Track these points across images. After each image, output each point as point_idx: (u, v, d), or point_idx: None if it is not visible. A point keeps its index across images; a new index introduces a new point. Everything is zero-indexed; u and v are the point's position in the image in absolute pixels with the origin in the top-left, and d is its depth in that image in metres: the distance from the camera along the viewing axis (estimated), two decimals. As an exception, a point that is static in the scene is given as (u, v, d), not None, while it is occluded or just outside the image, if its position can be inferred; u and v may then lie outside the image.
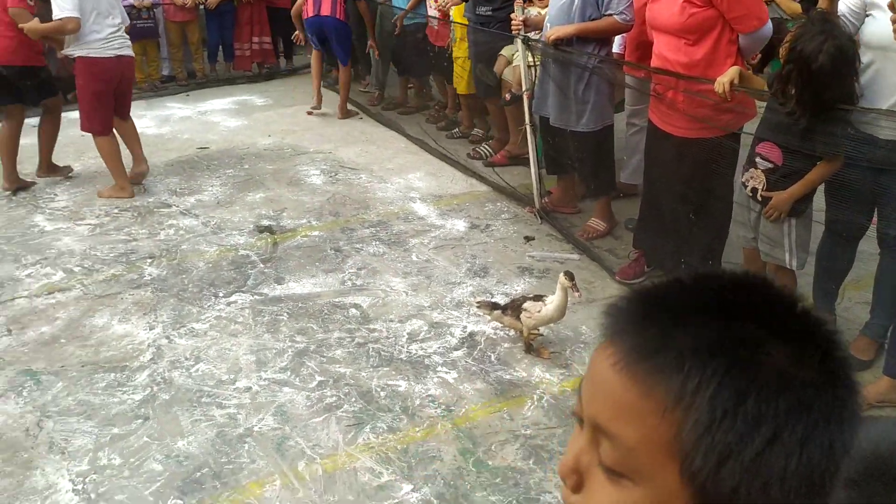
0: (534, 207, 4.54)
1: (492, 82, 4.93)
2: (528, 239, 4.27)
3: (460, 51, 5.57)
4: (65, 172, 5.37)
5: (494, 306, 3.26)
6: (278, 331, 3.42)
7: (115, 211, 4.77)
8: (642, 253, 3.81)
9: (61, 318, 3.55)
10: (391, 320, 3.48)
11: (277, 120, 6.77)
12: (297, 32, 7.61)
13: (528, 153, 4.75)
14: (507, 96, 4.79)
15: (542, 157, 4.52)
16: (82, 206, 4.84)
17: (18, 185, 5.08)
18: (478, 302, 3.40)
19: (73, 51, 4.74)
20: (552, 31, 3.94)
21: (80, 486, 2.50)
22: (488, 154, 5.48)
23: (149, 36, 7.70)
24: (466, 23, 5.36)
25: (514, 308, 3.15)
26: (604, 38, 3.95)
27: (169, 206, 4.86)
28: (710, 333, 0.57)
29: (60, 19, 4.58)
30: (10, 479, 2.54)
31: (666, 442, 0.56)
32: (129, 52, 4.99)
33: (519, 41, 4.21)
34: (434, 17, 5.92)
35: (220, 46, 8.37)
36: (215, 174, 5.41)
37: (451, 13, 5.67)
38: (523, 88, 4.34)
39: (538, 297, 3.13)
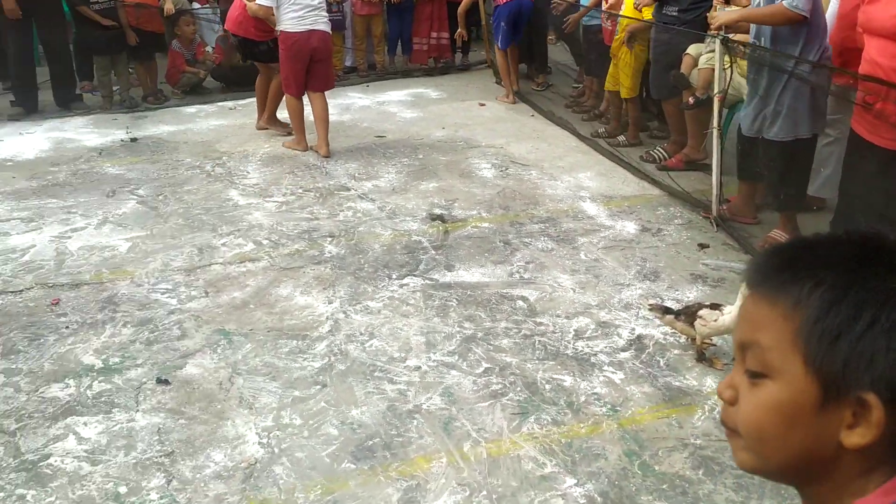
0: (710, 213, 4.39)
1: (684, 86, 4.78)
2: (702, 246, 4.14)
3: (624, 52, 5.51)
4: (286, 129, 6.11)
5: (667, 310, 3.20)
6: (447, 316, 3.52)
7: (300, 191, 5.07)
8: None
9: (251, 285, 3.83)
10: (558, 315, 3.50)
11: (451, 113, 6.94)
12: (460, 30, 7.82)
13: (706, 158, 4.60)
14: (691, 100, 4.66)
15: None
16: (271, 185, 5.19)
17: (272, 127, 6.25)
18: (650, 304, 3.34)
19: (279, 27, 5.56)
20: (718, 17, 3.84)
21: (264, 440, 2.71)
22: (662, 157, 5.35)
23: (336, 28, 8.10)
24: (639, 20, 5.28)
25: (688, 314, 3.07)
26: (811, 39, 3.71)
27: (348, 189, 5.11)
28: (825, 256, 0.73)
29: (259, 5, 5.48)
30: (205, 425, 2.79)
31: (791, 337, 0.71)
32: (324, 26, 5.68)
33: (717, 42, 4.07)
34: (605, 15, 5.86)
35: (399, 40, 8.68)
36: (391, 162, 5.63)
37: (622, 11, 5.59)
38: (715, 91, 4.20)
39: (715, 306, 3.04)
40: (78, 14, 6.81)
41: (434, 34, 8.63)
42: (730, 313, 2.95)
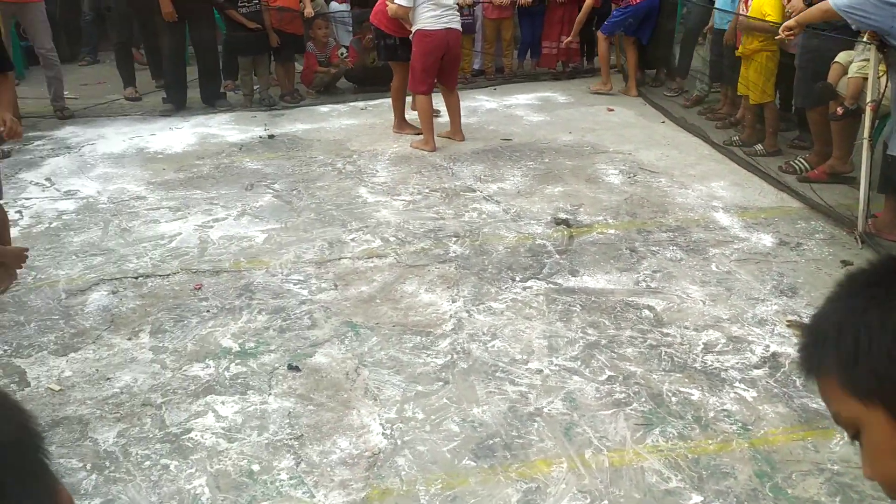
0: (855, 229, 4.14)
1: (832, 97, 4.54)
2: (845, 264, 3.91)
3: (758, 55, 5.31)
4: (415, 130, 6.27)
5: None
6: (570, 321, 3.49)
7: (427, 190, 5.16)
8: None
9: (377, 280, 3.93)
10: (686, 327, 3.40)
11: (578, 118, 6.87)
12: (569, 38, 7.83)
13: (852, 171, 4.35)
14: (840, 110, 4.41)
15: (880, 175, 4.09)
16: (399, 184, 5.30)
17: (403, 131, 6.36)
18: (788, 321, 3.20)
19: (414, 27, 5.77)
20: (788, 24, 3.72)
21: (388, 431, 2.77)
22: (804, 168, 5.09)
23: (466, 31, 8.18)
24: (773, 24, 5.05)
25: None
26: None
27: (474, 190, 5.15)
28: (829, 314, 0.81)
29: (398, 5, 5.69)
30: (332, 413, 2.89)
31: (840, 391, 0.77)
32: (457, 25, 5.90)
33: (873, 49, 3.84)
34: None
35: (530, 45, 8.66)
36: (517, 165, 5.64)
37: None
38: (868, 99, 3.97)
39: None
40: (227, 17, 7.20)
41: (564, 38, 8.55)
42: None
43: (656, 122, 6.74)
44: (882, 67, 3.85)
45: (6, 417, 0.70)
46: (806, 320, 3.21)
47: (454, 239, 4.39)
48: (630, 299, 3.67)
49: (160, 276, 4.00)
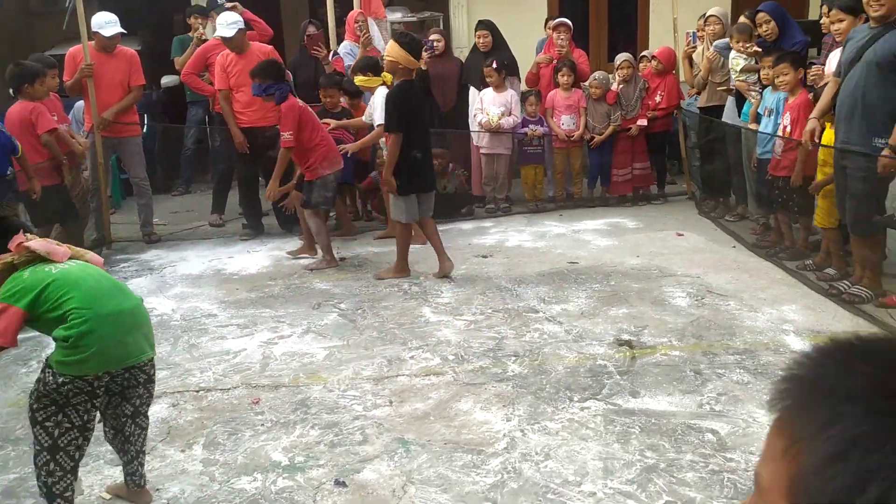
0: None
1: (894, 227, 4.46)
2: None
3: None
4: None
5: None
6: (628, 442, 3.35)
7: (489, 311, 5.17)
8: None
9: (433, 398, 3.90)
10: (751, 452, 3.21)
11: (647, 243, 6.83)
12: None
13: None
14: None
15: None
16: (462, 304, 5.34)
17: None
18: None
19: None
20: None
21: (429, 551, 2.67)
22: (869, 297, 4.90)
23: (537, 161, 8.40)
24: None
25: None
26: None
27: (537, 311, 5.13)
28: (850, 381, 0.55)
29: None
30: (374, 530, 2.81)
31: (787, 483, 0.55)
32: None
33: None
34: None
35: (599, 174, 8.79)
36: (582, 287, 5.61)
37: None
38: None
39: None
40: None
41: (638, 165, 8.63)
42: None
43: (727, 246, 6.64)
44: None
45: None
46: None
47: (513, 358, 4.35)
48: (692, 422, 3.51)
49: (221, 389, 4.08)
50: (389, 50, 5.67)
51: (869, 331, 4.39)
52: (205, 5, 8.77)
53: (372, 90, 6.90)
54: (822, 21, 5.30)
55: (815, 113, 5.12)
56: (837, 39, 5.27)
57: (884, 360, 0.57)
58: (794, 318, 4.79)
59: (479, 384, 4.03)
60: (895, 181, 4.64)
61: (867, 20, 4.76)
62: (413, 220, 5.87)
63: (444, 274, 5.86)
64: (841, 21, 5.10)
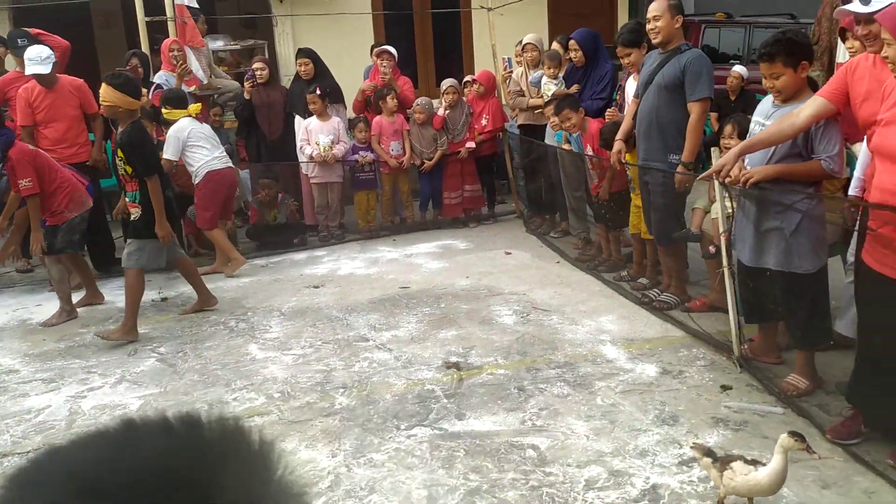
0: (732, 354, 4.22)
1: (694, 239, 4.81)
2: (724, 388, 3.95)
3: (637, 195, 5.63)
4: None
5: (709, 453, 2.95)
6: (453, 467, 3.36)
7: (319, 343, 5.07)
8: (858, 409, 3.36)
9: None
10: (569, 464, 3.31)
11: (476, 263, 6.98)
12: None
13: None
14: (712, 249, 4.62)
15: (740, 305, 4.23)
16: (291, 338, 5.20)
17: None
18: (693, 443, 3.15)
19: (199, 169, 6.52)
20: (754, 172, 3.76)
21: None
22: (676, 303, 5.26)
23: (368, 187, 8.38)
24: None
25: (724, 462, 2.84)
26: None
27: (367, 339, 5.09)
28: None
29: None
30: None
31: None
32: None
33: (716, 184, 4.08)
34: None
35: (431, 197, 8.89)
36: (412, 312, 5.63)
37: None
38: (721, 230, 4.16)
39: (754, 462, 2.79)
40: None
41: (468, 187, 8.80)
42: (766, 472, 2.71)
43: (551, 262, 6.90)
44: (729, 204, 4.07)
45: None
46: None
47: (341, 390, 4.27)
48: (515, 440, 3.58)
49: (19, 453, 3.72)
50: (103, 94, 5.06)
51: (676, 334, 4.68)
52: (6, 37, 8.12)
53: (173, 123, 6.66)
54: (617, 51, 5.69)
55: (619, 134, 5.45)
56: (630, 71, 5.69)
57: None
58: (610, 328, 5.03)
59: (306, 420, 3.93)
60: (691, 195, 5.00)
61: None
62: (157, 265, 5.57)
63: (201, 308, 5.85)
64: (628, 55, 5.51)
